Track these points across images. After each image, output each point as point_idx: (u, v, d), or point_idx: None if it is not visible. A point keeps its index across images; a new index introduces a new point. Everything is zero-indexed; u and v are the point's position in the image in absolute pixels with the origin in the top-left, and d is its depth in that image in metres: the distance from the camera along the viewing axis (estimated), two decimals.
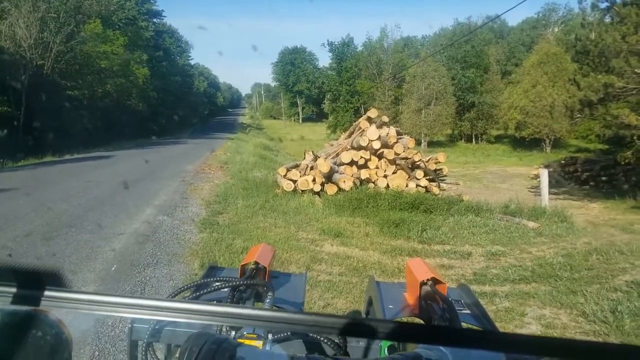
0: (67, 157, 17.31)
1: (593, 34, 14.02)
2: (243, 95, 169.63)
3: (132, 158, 17.08)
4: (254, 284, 1.10)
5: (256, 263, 1.21)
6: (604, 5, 13.70)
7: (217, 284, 1.09)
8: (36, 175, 12.37)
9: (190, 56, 59.62)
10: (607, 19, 13.98)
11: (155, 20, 40.85)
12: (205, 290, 1.07)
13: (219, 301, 1.08)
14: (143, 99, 30.50)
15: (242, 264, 1.24)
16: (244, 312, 0.53)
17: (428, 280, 1.12)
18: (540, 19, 52.13)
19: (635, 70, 11.07)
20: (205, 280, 1.13)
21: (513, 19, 75.13)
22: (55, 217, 6.87)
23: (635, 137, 11.73)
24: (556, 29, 46.08)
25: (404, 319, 1.18)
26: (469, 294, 1.28)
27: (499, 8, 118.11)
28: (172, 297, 1.04)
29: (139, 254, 5.34)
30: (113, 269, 4.83)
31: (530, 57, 35.50)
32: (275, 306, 1.12)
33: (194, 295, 1.08)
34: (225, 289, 1.08)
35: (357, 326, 0.51)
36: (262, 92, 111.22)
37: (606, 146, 23.39)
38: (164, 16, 43.04)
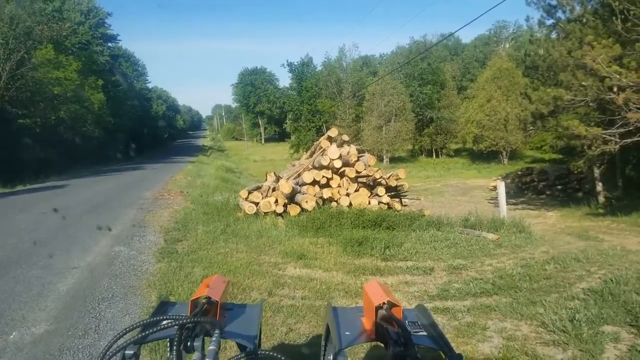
0: (20, 188, 16.52)
1: (541, 49, 14.66)
2: (204, 117, 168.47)
3: (87, 187, 16.46)
4: (201, 322, 1.05)
5: (207, 297, 1.16)
6: (549, 22, 14.47)
7: (164, 322, 1.04)
8: None
9: (147, 79, 58.94)
10: (554, 35, 14.72)
11: (110, 44, 40.17)
12: (152, 330, 1.03)
13: (168, 340, 1.05)
14: (99, 125, 29.60)
15: (192, 298, 1.19)
16: None
17: (383, 304, 1.11)
18: (492, 35, 54.66)
19: (582, 83, 11.61)
20: (152, 318, 1.08)
21: (466, 37, 78.33)
22: (4, 253, 6.48)
23: (585, 147, 12.25)
24: (507, 45, 48.33)
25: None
26: (426, 314, 1.28)
27: (453, 26, 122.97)
28: (119, 337, 0.97)
29: (94, 288, 5.09)
30: (65, 305, 4.57)
31: (484, 72, 37.01)
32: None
33: (142, 335, 1.02)
34: (174, 328, 1.03)
35: None
36: (223, 114, 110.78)
37: (560, 156, 24.41)
38: (119, 40, 42.51)
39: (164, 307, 1.31)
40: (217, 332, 1.01)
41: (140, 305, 4.60)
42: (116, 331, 4.39)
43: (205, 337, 1.05)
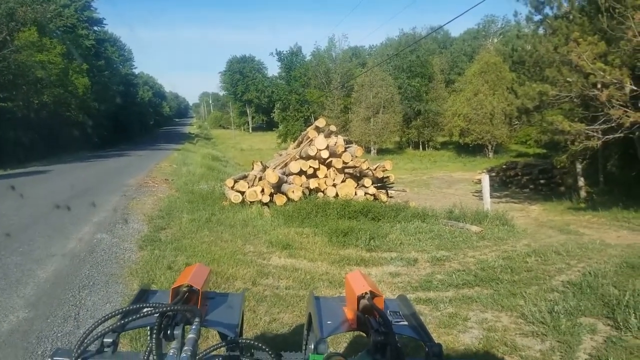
0: (0, 172, 16.19)
1: (528, 45, 14.77)
2: (190, 104, 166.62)
3: (70, 172, 16.20)
4: (181, 310, 1.04)
5: (189, 286, 1.16)
6: (537, 18, 14.57)
7: (144, 310, 1.02)
8: None
9: (133, 65, 57.87)
10: (541, 31, 14.83)
11: (96, 28, 39.23)
12: (132, 318, 1.01)
13: (148, 328, 1.04)
14: (83, 110, 29.06)
15: (174, 286, 1.18)
16: None
17: (365, 293, 1.12)
18: (481, 30, 54.89)
19: (567, 79, 11.74)
20: (132, 306, 1.06)
21: (455, 30, 78.67)
22: None
23: (568, 142, 12.41)
24: (495, 40, 48.57)
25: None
26: (407, 304, 1.30)
27: (442, 19, 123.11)
28: (98, 324, 0.97)
29: (74, 275, 5.02)
30: (45, 293, 4.50)
31: (472, 66, 37.19)
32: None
33: (121, 323, 1.01)
34: (154, 316, 1.02)
35: None
36: (211, 102, 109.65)
37: (543, 151, 24.70)
38: (106, 24, 41.49)
39: (144, 295, 1.29)
40: (197, 320, 1.00)
41: (122, 294, 4.56)
42: (96, 319, 4.35)
43: (186, 326, 1.06)
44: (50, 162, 19.87)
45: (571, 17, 12.93)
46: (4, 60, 20.93)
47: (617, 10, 10.46)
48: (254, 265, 5.63)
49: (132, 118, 49.93)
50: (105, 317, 1.02)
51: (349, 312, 1.20)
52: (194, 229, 7.21)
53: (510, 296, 4.71)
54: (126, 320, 1.02)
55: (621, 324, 3.89)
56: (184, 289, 1.16)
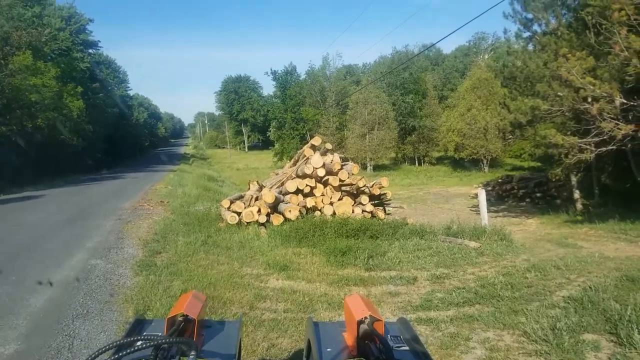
0: None
1: (519, 61, 14.95)
2: (186, 124, 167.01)
3: (64, 197, 16.09)
4: (176, 342, 1.02)
5: (184, 315, 1.15)
6: (526, 34, 14.82)
7: (139, 343, 1.01)
8: None
9: (129, 86, 58.28)
10: (530, 47, 15.05)
11: (91, 50, 39.50)
12: (126, 352, 0.99)
13: None
14: (78, 133, 28.97)
15: (169, 316, 1.18)
16: None
17: (365, 318, 1.11)
18: (472, 46, 55.89)
19: (558, 93, 11.86)
20: (127, 339, 1.06)
21: (447, 47, 79.84)
22: None
23: (562, 155, 12.47)
24: (486, 56, 49.31)
25: None
26: (408, 327, 1.29)
27: (434, 36, 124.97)
28: (93, 359, 0.96)
29: (68, 304, 4.93)
30: (38, 323, 4.41)
31: (464, 82, 37.68)
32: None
33: (116, 357, 0.98)
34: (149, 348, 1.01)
35: None
36: (206, 121, 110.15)
37: (538, 164, 24.84)
38: (101, 47, 41.78)
39: (139, 325, 1.29)
40: (193, 353, 0.98)
41: (117, 321, 4.47)
42: (91, 350, 4.27)
43: (182, 357, 1.03)
44: (44, 186, 19.74)
45: (559, 33, 13.15)
46: None
47: (603, 26, 10.63)
48: (251, 288, 5.55)
49: (127, 140, 50.00)
50: (100, 350, 1.01)
51: (349, 338, 1.18)
52: (190, 252, 7.12)
53: (511, 313, 4.66)
54: (121, 353, 0.99)
55: (624, 340, 3.85)
56: (180, 318, 1.15)
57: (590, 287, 5.24)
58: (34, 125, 24.25)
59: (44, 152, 24.80)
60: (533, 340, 4.00)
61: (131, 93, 62.56)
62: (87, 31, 37.63)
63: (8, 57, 21.86)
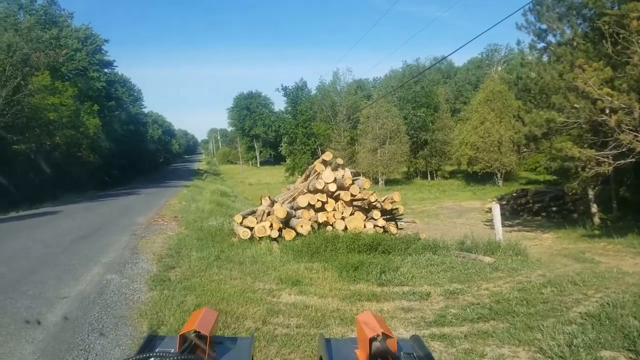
0: (12, 214, 16.37)
1: (533, 72, 14.82)
2: (199, 141, 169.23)
3: (81, 212, 16.34)
4: (188, 359, 1.03)
5: (196, 331, 1.14)
6: (540, 45, 14.72)
7: None
8: None
9: (143, 104, 59.25)
10: (545, 58, 14.94)
11: (106, 70, 40.41)
12: None
13: None
14: (94, 150, 29.63)
15: (181, 332, 1.17)
16: None
17: (378, 335, 1.10)
18: (484, 59, 55.66)
19: (574, 105, 11.69)
20: (139, 356, 1.05)
21: (459, 60, 79.80)
22: None
23: (579, 169, 12.26)
24: (499, 68, 49.16)
25: None
26: (421, 345, 1.27)
27: (446, 49, 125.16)
28: None
29: (84, 318, 4.98)
30: (54, 337, 4.46)
31: (477, 95, 37.51)
32: None
33: None
34: None
35: None
36: (219, 137, 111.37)
37: (554, 177, 24.47)
38: (116, 66, 42.71)
39: (152, 341, 1.27)
40: None
41: (131, 336, 4.50)
42: None
43: None
44: (61, 202, 20.09)
45: (575, 43, 13.04)
46: (18, 104, 21.49)
47: (621, 36, 10.52)
48: (264, 303, 5.55)
49: (142, 156, 50.74)
50: None
51: (362, 355, 1.17)
52: (203, 267, 7.16)
53: (527, 330, 4.58)
54: None
55: None
56: (192, 335, 1.15)
57: (607, 303, 5.13)
58: (52, 143, 24.81)
59: (61, 169, 25.29)
60: (549, 357, 3.93)
61: (146, 110, 63.77)
62: (102, 51, 38.55)
63: (27, 78, 22.46)
